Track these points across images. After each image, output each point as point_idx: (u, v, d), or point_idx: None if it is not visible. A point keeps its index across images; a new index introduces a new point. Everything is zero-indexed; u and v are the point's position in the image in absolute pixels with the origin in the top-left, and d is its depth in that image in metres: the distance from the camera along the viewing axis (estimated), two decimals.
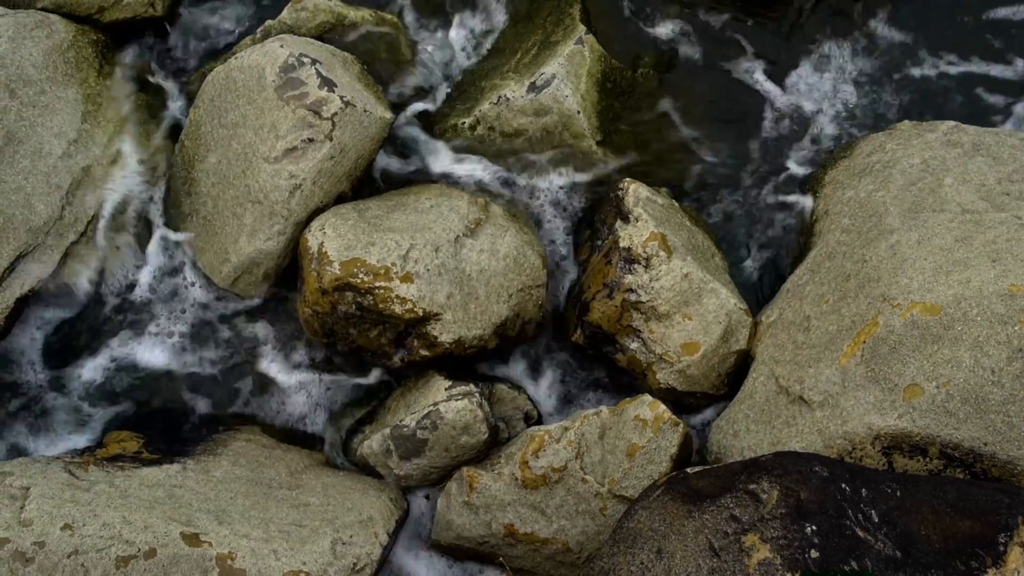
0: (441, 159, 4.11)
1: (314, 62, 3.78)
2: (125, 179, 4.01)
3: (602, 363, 3.90)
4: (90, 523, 3.06)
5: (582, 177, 4.06)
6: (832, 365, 3.32)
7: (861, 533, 2.63)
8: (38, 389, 3.86)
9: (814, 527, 2.62)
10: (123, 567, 2.99)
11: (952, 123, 3.88)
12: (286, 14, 4.13)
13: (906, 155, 3.78)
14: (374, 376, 3.93)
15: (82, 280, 3.91)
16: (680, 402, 3.70)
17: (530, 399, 3.82)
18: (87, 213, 3.89)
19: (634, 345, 3.69)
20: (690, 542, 2.76)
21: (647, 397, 3.49)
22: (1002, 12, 4.34)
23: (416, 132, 4.16)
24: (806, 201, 4.03)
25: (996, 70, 4.27)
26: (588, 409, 3.58)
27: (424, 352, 3.63)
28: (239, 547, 3.10)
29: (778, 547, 2.61)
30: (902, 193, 3.64)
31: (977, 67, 4.29)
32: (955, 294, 3.12)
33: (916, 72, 4.29)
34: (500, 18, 4.41)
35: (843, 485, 2.73)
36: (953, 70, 4.29)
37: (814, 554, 2.57)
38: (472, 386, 3.57)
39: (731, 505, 2.77)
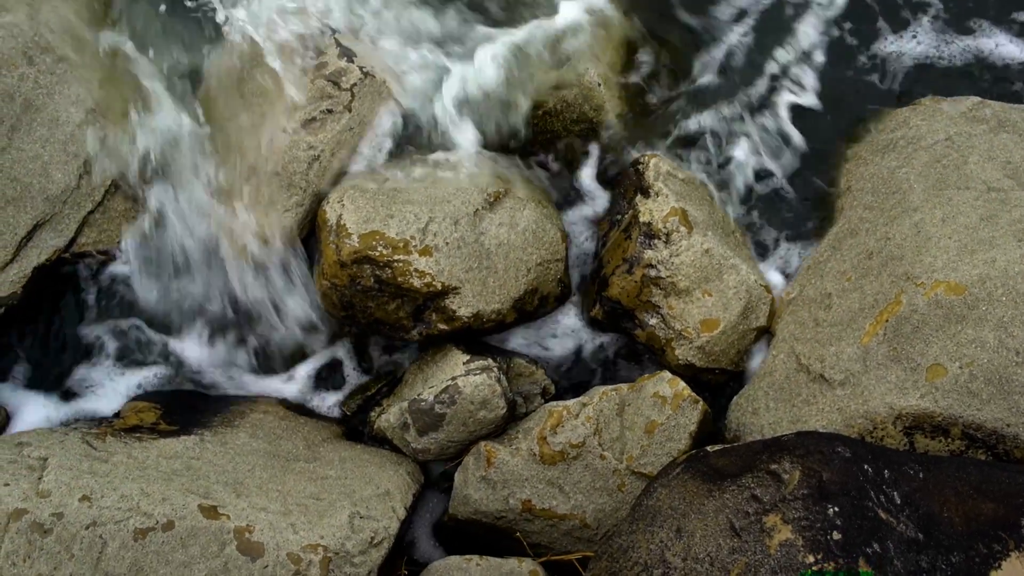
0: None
1: (333, 31, 3.75)
2: (143, 148, 3.97)
3: (621, 339, 3.88)
4: (108, 495, 3.05)
5: (602, 150, 4.02)
6: (854, 343, 3.29)
7: (883, 515, 2.61)
8: (59, 357, 3.85)
9: (836, 508, 2.60)
10: (141, 539, 2.99)
11: (976, 99, 3.84)
12: None
13: (930, 131, 3.74)
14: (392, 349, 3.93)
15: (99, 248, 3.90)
16: (698, 379, 3.68)
17: (548, 374, 3.80)
18: (105, 182, 3.87)
19: (653, 321, 3.67)
20: (710, 521, 2.75)
21: (666, 374, 3.47)
22: None
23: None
24: (828, 177, 3.99)
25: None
26: (606, 385, 3.56)
27: (442, 326, 3.61)
28: (257, 520, 3.10)
29: (800, 528, 2.60)
30: (926, 170, 3.60)
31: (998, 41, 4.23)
32: (980, 274, 3.10)
33: (941, 46, 4.23)
34: None
35: (866, 466, 2.72)
36: (975, 45, 4.23)
37: (836, 536, 2.56)
38: (490, 360, 3.56)
39: (752, 485, 2.75)
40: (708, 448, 3.09)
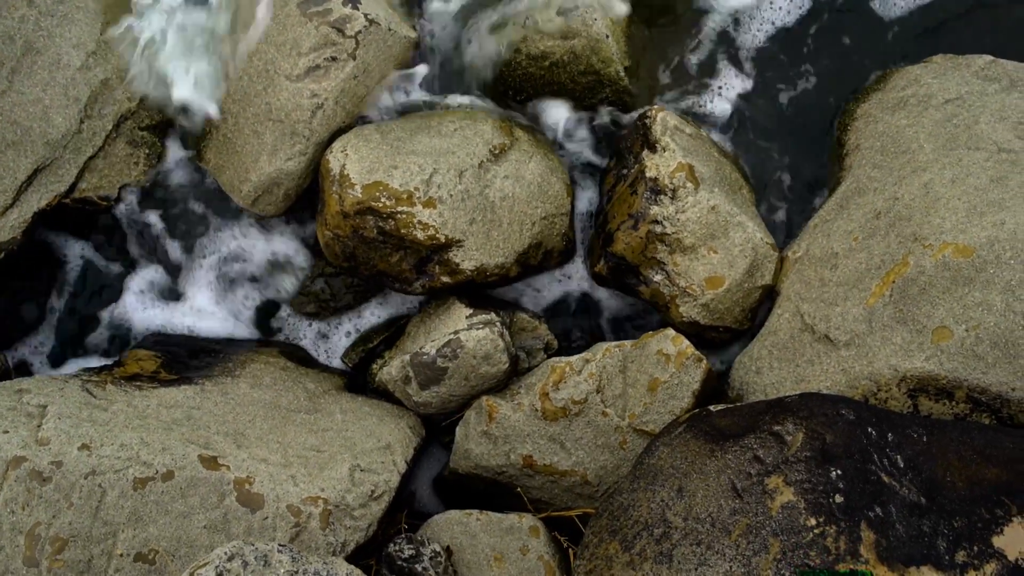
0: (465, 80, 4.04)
1: None
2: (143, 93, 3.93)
3: (625, 295, 3.86)
4: (108, 443, 3.05)
5: (609, 103, 3.97)
6: (859, 304, 3.27)
7: (886, 478, 2.61)
8: (60, 311, 3.85)
9: (839, 471, 2.60)
10: (140, 489, 2.99)
11: (989, 57, 3.78)
12: None
13: (941, 89, 3.69)
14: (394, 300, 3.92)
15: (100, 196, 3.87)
16: (703, 336, 3.66)
17: (550, 330, 3.78)
18: (105, 127, 3.82)
19: (658, 277, 3.64)
20: (712, 481, 2.74)
21: (670, 331, 3.44)
22: None
23: (441, 53, 4.07)
24: (837, 134, 3.95)
25: None
26: (610, 342, 3.55)
27: (445, 279, 3.59)
28: (257, 471, 3.10)
29: (802, 490, 2.59)
30: (936, 129, 3.55)
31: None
32: (989, 236, 3.06)
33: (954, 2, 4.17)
34: None
35: (869, 429, 2.70)
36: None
37: (838, 499, 2.55)
38: (493, 315, 3.54)
39: (755, 446, 2.74)
40: (711, 407, 3.08)
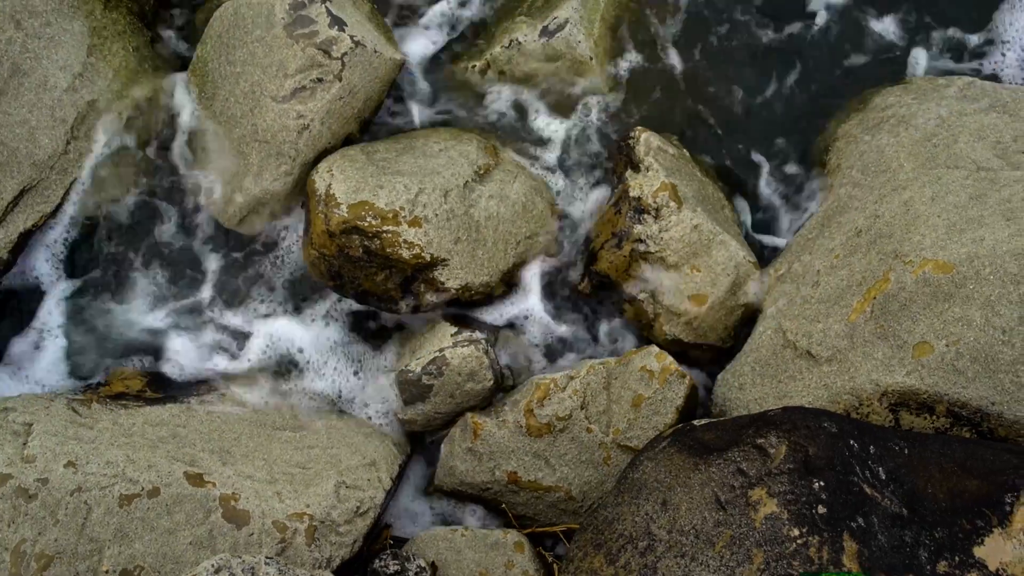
0: (451, 102, 4.07)
1: (324, 0, 3.72)
2: (130, 114, 3.95)
3: (609, 313, 3.88)
4: (93, 461, 3.06)
5: (593, 124, 4.01)
6: (841, 320, 3.30)
7: (868, 490, 2.63)
8: (45, 326, 3.84)
9: (822, 483, 2.62)
10: (126, 505, 2.99)
11: (968, 78, 3.84)
12: None
13: (921, 109, 3.74)
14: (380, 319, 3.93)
15: (87, 216, 3.88)
16: (686, 354, 3.69)
17: (535, 347, 3.80)
18: (91, 148, 3.84)
19: (641, 295, 3.67)
20: (696, 494, 2.76)
21: (654, 348, 3.47)
22: None
23: (427, 74, 4.11)
24: (819, 154, 3.99)
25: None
26: (594, 359, 3.57)
27: (431, 297, 3.61)
28: (242, 488, 3.10)
29: (785, 502, 2.61)
30: (916, 148, 3.60)
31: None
32: (968, 252, 3.10)
33: (932, 27, 4.23)
34: None
35: (851, 442, 2.73)
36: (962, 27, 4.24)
37: (821, 510, 2.57)
38: (478, 333, 3.56)
39: (738, 459, 2.76)
40: (694, 422, 3.11)
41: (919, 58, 4.14)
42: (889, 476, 2.70)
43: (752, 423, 2.87)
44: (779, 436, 2.75)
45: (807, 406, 3.17)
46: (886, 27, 4.21)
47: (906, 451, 2.77)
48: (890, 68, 4.14)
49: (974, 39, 4.16)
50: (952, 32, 4.18)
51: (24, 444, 3.08)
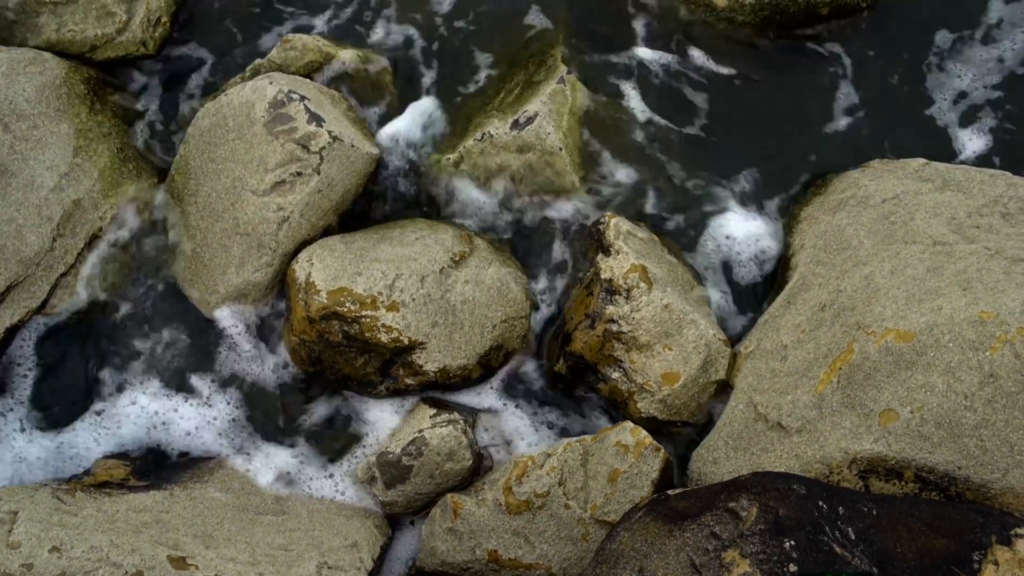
0: (426, 193, 4.19)
1: (303, 98, 3.87)
2: (114, 212, 4.05)
3: (585, 393, 3.95)
4: (78, 546, 3.08)
5: (564, 212, 4.13)
6: (809, 392, 3.38)
7: (838, 549, 2.69)
8: (26, 421, 3.88)
9: (792, 542, 2.67)
10: None
11: (922, 160, 3.99)
12: (275, 53, 4.23)
13: (879, 190, 3.88)
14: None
15: (71, 310, 3.96)
16: (661, 431, 3.75)
17: (512, 427, 3.86)
18: (77, 245, 3.94)
19: (616, 375, 3.75)
20: (671, 560, 2.81)
21: (628, 424, 3.54)
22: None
23: (402, 168, 4.23)
24: (783, 236, 4.11)
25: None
26: (571, 437, 3.63)
27: (409, 380, 3.68)
28: (226, 570, 3.13)
29: (757, 561, 2.66)
30: (875, 226, 3.73)
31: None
32: (927, 321, 3.20)
33: (888, 110, 4.39)
34: (484, 59, 4.51)
35: (820, 503, 2.79)
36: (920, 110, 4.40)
37: (792, 568, 2.62)
38: (456, 414, 3.62)
39: (711, 523, 2.82)
40: (668, 492, 3.16)
41: (876, 142, 4.31)
42: (858, 536, 2.76)
43: (724, 489, 2.94)
44: (750, 499, 2.82)
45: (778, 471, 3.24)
46: (843, 116, 4.37)
47: (875, 512, 2.83)
48: (848, 153, 4.29)
49: (929, 119, 4.34)
50: (906, 114, 4.35)
51: (9, 531, 3.10)
